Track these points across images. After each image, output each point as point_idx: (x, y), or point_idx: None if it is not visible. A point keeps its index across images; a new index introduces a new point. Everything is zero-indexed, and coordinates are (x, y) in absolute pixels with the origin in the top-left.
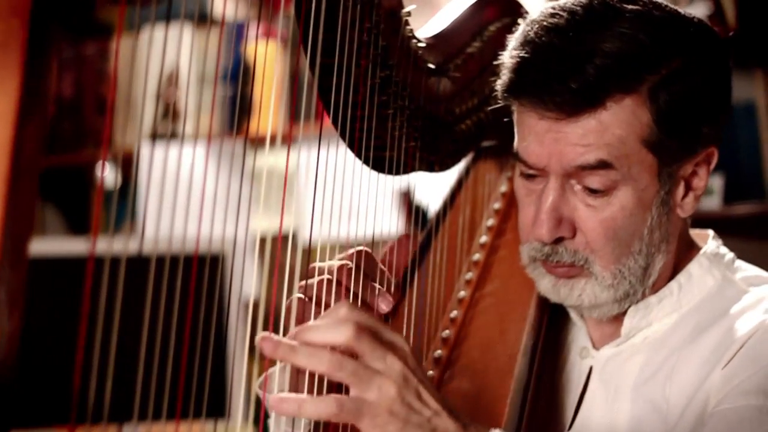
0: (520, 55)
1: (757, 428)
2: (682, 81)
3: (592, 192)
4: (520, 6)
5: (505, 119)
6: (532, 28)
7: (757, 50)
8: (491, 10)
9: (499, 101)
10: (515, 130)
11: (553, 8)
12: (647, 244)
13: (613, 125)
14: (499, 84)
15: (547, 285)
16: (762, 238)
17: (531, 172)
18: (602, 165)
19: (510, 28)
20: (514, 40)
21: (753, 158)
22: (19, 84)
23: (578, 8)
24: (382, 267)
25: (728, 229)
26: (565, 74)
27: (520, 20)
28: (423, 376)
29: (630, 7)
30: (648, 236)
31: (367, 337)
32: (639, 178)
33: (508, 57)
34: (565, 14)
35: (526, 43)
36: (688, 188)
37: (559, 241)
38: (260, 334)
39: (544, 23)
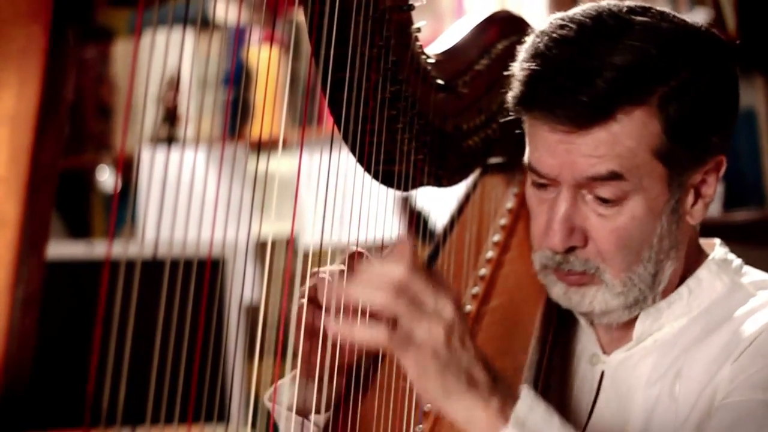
0: (531, 67)
1: (761, 422)
2: (691, 91)
3: (604, 202)
4: (527, 25)
5: (516, 131)
6: (541, 40)
7: (757, 57)
8: (499, 28)
9: (511, 113)
10: (527, 140)
11: (563, 19)
12: (656, 251)
13: (624, 137)
14: (510, 96)
15: (558, 292)
16: (762, 244)
17: (543, 181)
18: (613, 176)
19: (517, 46)
20: (524, 52)
21: (753, 165)
22: (40, 89)
23: (587, 20)
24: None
25: (728, 236)
26: (575, 88)
27: (526, 38)
28: (467, 325)
29: (639, 18)
30: (657, 244)
31: (422, 275)
32: (650, 187)
33: (518, 69)
34: (574, 26)
35: (536, 55)
36: (698, 196)
37: (570, 250)
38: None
39: (554, 35)
